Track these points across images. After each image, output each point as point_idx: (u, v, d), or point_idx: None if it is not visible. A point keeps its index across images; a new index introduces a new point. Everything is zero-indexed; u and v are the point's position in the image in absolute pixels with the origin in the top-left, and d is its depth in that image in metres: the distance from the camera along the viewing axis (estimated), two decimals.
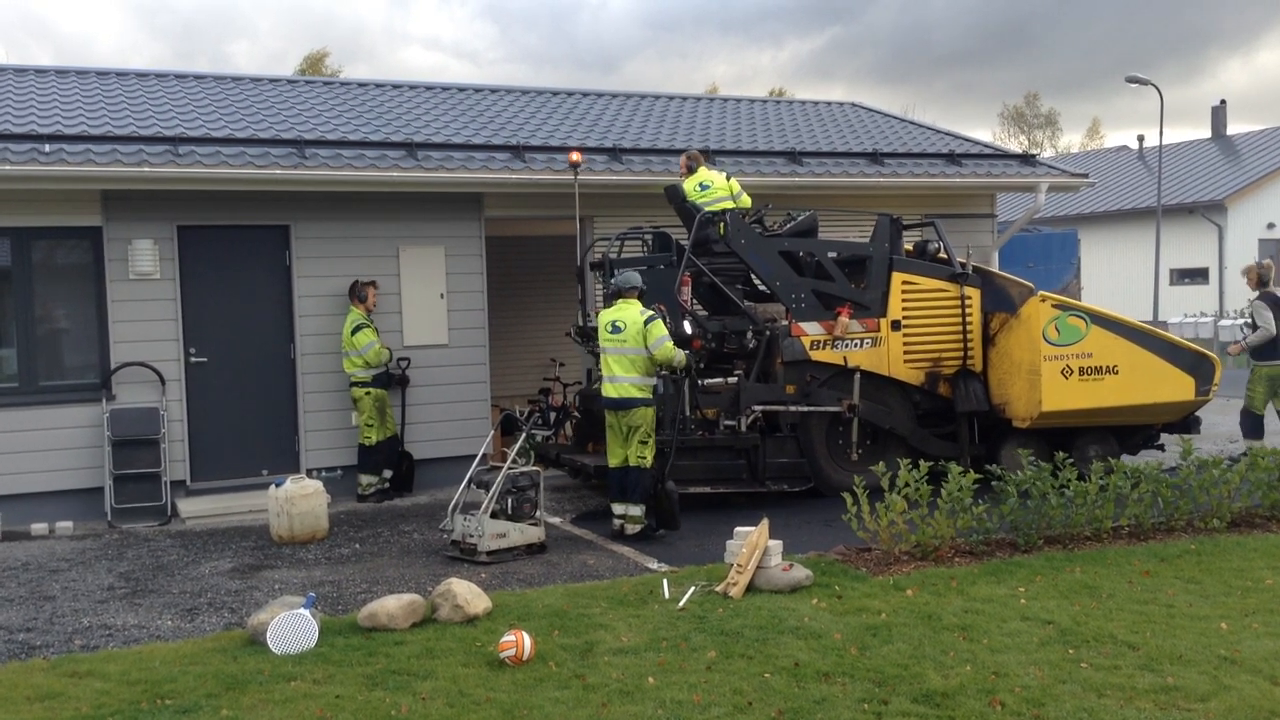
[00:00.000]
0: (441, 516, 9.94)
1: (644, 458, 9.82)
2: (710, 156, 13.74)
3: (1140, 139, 43.28)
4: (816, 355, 11.26)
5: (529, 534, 9.42)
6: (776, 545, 8.00)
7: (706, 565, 8.54)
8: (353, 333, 11.66)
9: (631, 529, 9.82)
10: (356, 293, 11.80)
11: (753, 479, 11.03)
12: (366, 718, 5.62)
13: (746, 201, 11.71)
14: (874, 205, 14.18)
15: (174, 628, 7.48)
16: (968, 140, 16.69)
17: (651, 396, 9.85)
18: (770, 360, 11.24)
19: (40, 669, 6.56)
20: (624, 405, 9.79)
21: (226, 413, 11.80)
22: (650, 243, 12.11)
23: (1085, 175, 16.02)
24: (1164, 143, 32.44)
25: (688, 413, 10.66)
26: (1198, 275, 34.95)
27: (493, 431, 11.53)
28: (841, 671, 6.16)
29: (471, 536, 9.20)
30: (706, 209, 11.37)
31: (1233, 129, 41.44)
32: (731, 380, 11.08)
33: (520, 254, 15.49)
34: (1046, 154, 60.74)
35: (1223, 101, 41.45)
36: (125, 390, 11.32)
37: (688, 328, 10.71)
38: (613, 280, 10.25)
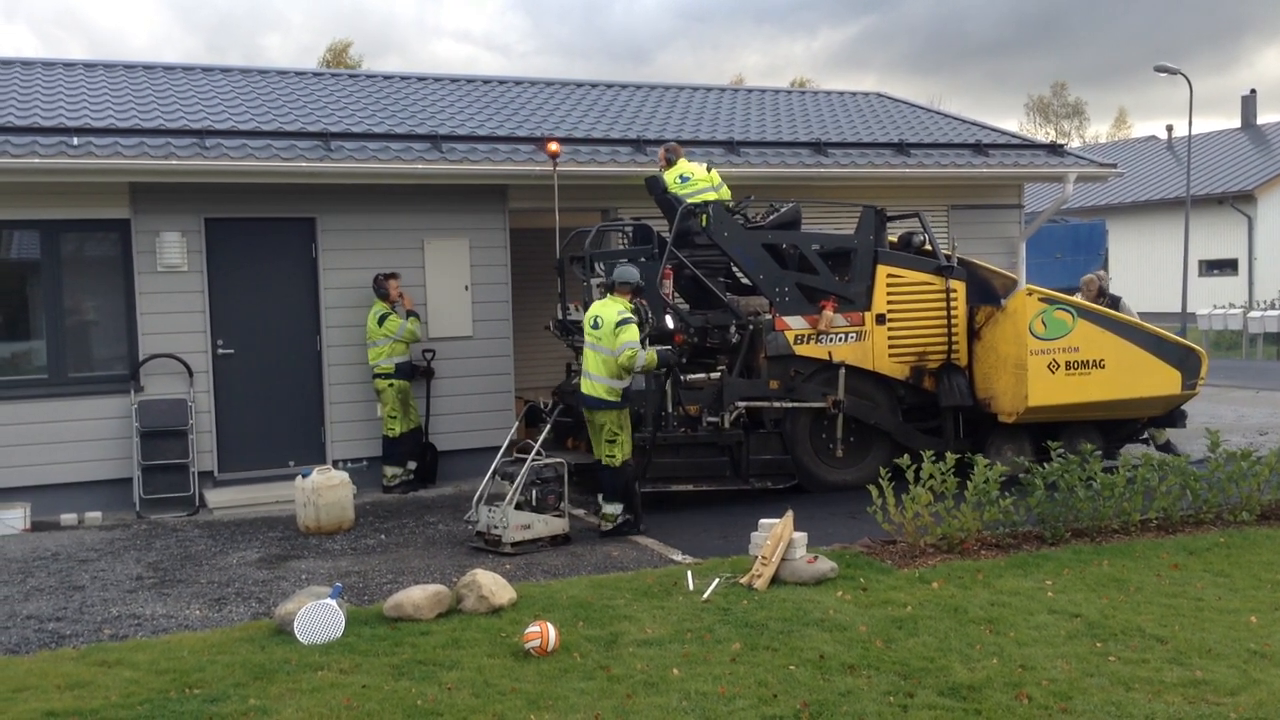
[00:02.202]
0: (466, 508, 9.97)
1: (612, 457, 9.72)
2: (735, 148, 13.71)
3: (1169, 129, 42.85)
4: (800, 350, 11.15)
5: (553, 525, 9.44)
6: (801, 537, 7.98)
7: (731, 557, 8.54)
8: (379, 322, 11.70)
9: (605, 526, 9.73)
10: (378, 287, 11.85)
11: (736, 476, 10.89)
12: (393, 707, 5.65)
13: (727, 193, 11.61)
14: (899, 196, 14.13)
15: (202, 617, 7.53)
16: (995, 130, 16.58)
17: (619, 400, 9.70)
18: (754, 355, 11.12)
19: (70, 658, 6.63)
20: (591, 405, 9.75)
21: (254, 404, 11.87)
22: (630, 235, 12.00)
23: (1114, 165, 15.89)
24: (1194, 132, 32.11)
25: (670, 409, 10.52)
26: (1227, 266, 34.62)
27: (517, 423, 11.54)
28: (867, 664, 6.14)
29: (496, 528, 9.23)
30: (689, 200, 11.26)
31: (1264, 118, 40.98)
32: (714, 376, 10.95)
33: (546, 246, 15.48)
34: (1074, 144, 60.28)
35: (1253, 91, 40.94)
36: (154, 382, 11.40)
37: (669, 322, 10.58)
38: (613, 274, 10.00)
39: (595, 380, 9.70)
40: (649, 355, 9.62)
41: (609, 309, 9.68)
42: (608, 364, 9.61)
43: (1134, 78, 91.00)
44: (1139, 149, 43.63)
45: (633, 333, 9.54)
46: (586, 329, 9.83)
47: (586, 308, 11.01)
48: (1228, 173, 35.41)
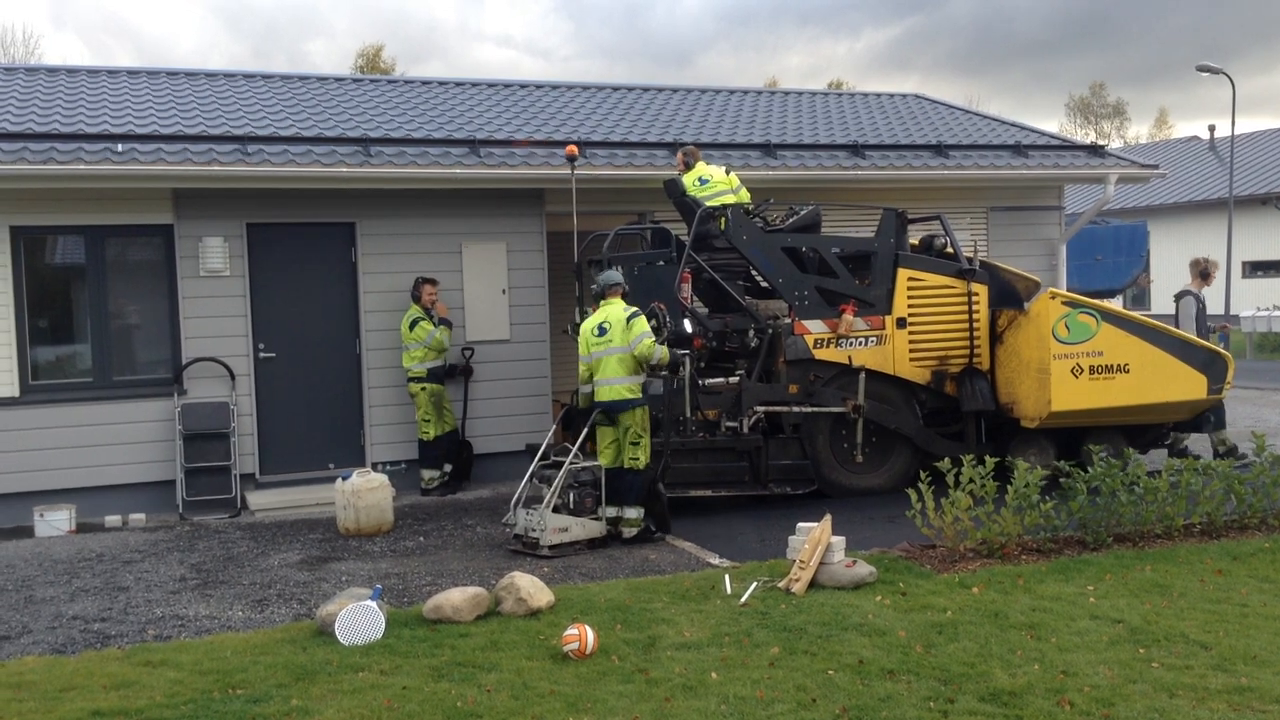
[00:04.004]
0: (503, 510, 10.01)
1: (636, 459, 9.58)
2: (772, 150, 13.69)
3: (1211, 129, 42.32)
4: (820, 354, 11.04)
5: (590, 528, 9.45)
6: (839, 541, 7.95)
7: (768, 561, 8.52)
8: (410, 327, 11.78)
9: (629, 532, 9.58)
10: (413, 291, 11.94)
11: (755, 481, 10.77)
12: (433, 709, 5.68)
13: (747, 196, 11.57)
14: (937, 198, 14.07)
15: (244, 618, 7.61)
16: (1034, 131, 16.46)
17: (641, 396, 9.64)
18: (773, 359, 11.04)
19: (115, 658, 6.72)
20: (615, 408, 9.58)
21: (294, 407, 11.99)
22: (649, 238, 11.95)
23: (1155, 166, 15.72)
24: (1238, 132, 31.72)
25: (688, 414, 10.43)
26: (1271, 268, 34.15)
27: (554, 426, 11.56)
28: (907, 669, 6.11)
29: (534, 530, 9.25)
30: (708, 203, 11.20)
31: None
32: (733, 380, 10.87)
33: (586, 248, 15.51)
34: (1114, 145, 59.65)
35: None
36: (196, 385, 11.54)
37: (688, 326, 10.51)
38: (595, 281, 9.98)
39: (615, 383, 9.57)
40: (663, 350, 9.64)
41: (613, 310, 9.65)
42: (624, 362, 9.54)
43: (1180, 77, 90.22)
44: (1180, 149, 43.14)
45: (645, 324, 9.56)
46: (591, 338, 9.67)
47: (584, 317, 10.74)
48: (1271, 173, 34.93)
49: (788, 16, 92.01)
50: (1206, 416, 12.02)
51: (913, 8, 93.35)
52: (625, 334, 9.50)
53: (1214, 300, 29.08)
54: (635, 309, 9.65)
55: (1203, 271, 12.89)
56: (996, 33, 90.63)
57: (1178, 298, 12.77)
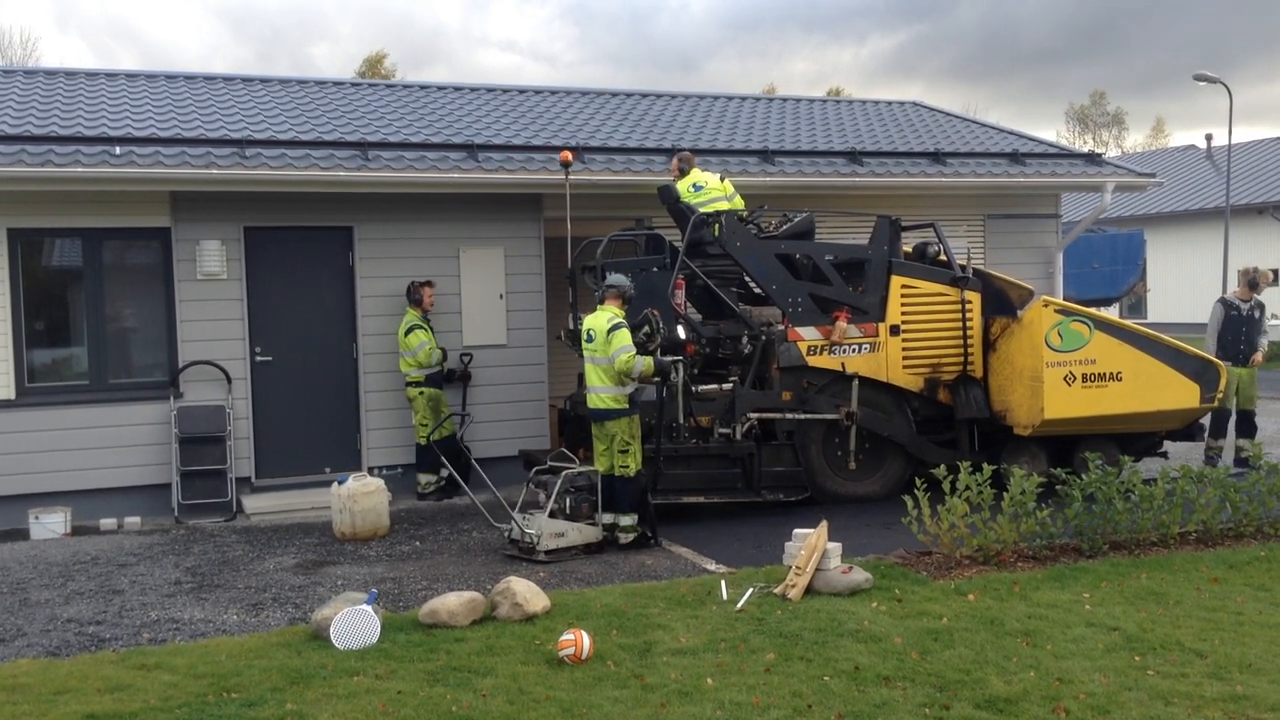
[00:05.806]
0: (500, 515, 10.00)
1: (626, 467, 9.58)
2: (770, 157, 13.71)
3: (1208, 138, 42.36)
4: (813, 361, 11.05)
5: (587, 534, 9.44)
6: (835, 547, 7.95)
7: (765, 567, 8.52)
8: (406, 333, 11.77)
9: (625, 538, 9.57)
10: (411, 294, 11.92)
11: (748, 488, 10.76)
12: (428, 713, 5.68)
13: (741, 203, 11.58)
14: (935, 206, 14.08)
15: (239, 622, 7.60)
16: (1032, 139, 16.49)
17: (627, 406, 9.61)
18: (766, 366, 11.05)
19: (110, 661, 6.70)
20: (600, 416, 9.64)
21: (291, 411, 11.97)
22: (643, 245, 11.94)
23: (1153, 175, 15.76)
24: (1236, 141, 31.77)
25: (681, 420, 10.44)
26: None
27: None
28: (902, 676, 6.11)
29: (530, 535, 9.25)
30: (702, 210, 11.21)
31: None
32: (726, 387, 10.88)
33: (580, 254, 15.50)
34: (1111, 154, 59.75)
35: None
36: (192, 388, 11.52)
37: (681, 332, 10.52)
38: (600, 284, 9.96)
39: (600, 392, 9.61)
40: (646, 361, 9.57)
41: (599, 319, 9.63)
42: (608, 372, 9.53)
43: (1180, 86, 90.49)
44: (1177, 158, 43.18)
45: (625, 337, 9.48)
46: (583, 343, 9.78)
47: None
48: (1268, 182, 34.99)
49: (793, 23, 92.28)
50: (1199, 425, 12.05)
51: (919, 15, 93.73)
52: (605, 346, 9.50)
53: (1209, 310, 29.19)
54: (619, 320, 9.57)
55: (1250, 281, 13.11)
56: (1002, 41, 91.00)
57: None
